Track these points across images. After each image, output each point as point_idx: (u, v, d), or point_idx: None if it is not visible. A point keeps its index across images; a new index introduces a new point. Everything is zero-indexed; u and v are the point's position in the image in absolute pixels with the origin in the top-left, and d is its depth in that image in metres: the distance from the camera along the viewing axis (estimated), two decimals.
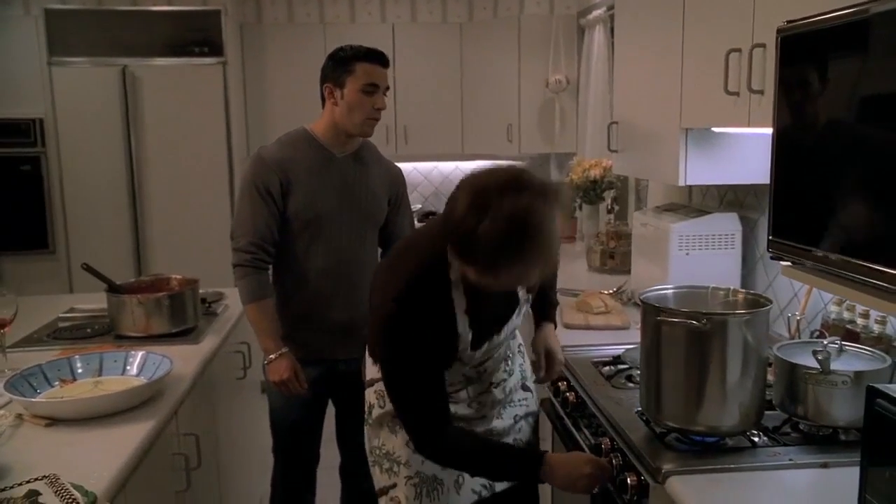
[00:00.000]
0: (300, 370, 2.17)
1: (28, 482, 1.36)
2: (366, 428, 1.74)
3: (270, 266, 2.18)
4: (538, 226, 1.28)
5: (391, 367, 1.52)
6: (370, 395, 1.71)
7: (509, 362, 1.77)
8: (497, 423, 1.73)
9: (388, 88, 2.18)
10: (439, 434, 1.52)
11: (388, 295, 1.48)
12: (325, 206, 2.16)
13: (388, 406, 1.64)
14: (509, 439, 1.76)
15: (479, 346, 1.58)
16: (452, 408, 1.64)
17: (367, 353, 1.71)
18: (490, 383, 1.71)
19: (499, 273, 1.32)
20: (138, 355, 1.96)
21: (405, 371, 1.50)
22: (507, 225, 1.26)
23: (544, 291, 1.84)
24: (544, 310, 1.88)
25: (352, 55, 2.11)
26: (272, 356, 2.14)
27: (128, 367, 1.94)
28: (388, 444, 1.67)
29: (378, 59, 2.14)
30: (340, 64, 2.12)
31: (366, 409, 1.73)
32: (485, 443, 1.62)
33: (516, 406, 1.78)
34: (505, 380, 1.75)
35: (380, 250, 2.36)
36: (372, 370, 1.69)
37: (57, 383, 1.85)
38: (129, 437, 1.58)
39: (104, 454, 1.50)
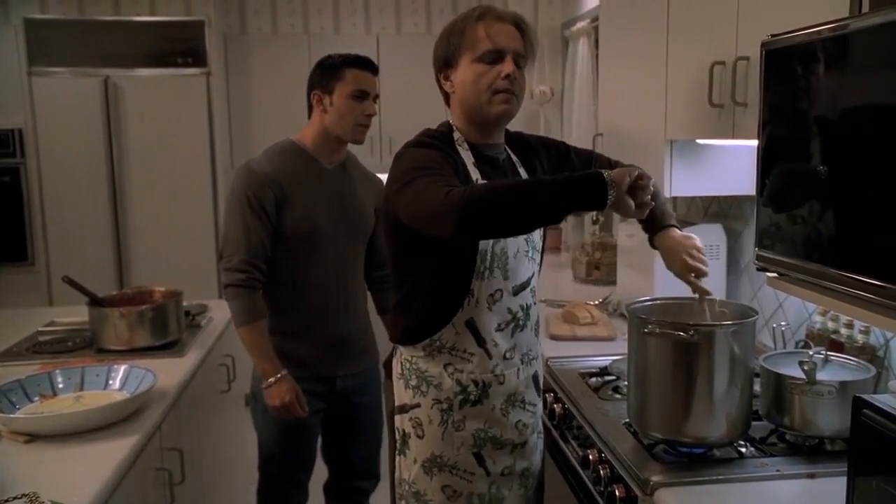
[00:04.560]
0: (300, 392, 2.10)
1: (7, 501, 1.33)
2: (398, 458, 1.69)
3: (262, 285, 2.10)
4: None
5: (405, 175, 1.47)
6: (404, 422, 1.66)
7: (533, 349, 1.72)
8: (536, 456, 1.74)
9: (377, 96, 2.17)
10: (464, 187, 1.37)
11: (400, 148, 1.57)
12: (321, 219, 2.13)
13: (427, 439, 1.61)
14: (537, 472, 1.77)
15: None
16: (496, 431, 1.63)
17: (393, 377, 1.70)
18: (523, 357, 1.67)
19: (462, 43, 1.55)
20: (121, 369, 1.93)
21: (417, 168, 1.46)
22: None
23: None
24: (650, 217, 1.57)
25: (341, 61, 2.10)
26: (271, 379, 2.06)
27: (110, 382, 1.91)
28: (420, 484, 1.64)
29: (367, 65, 2.13)
30: (329, 70, 2.10)
31: (398, 436, 1.68)
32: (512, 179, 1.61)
33: (542, 438, 1.78)
34: (533, 359, 1.71)
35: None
36: (403, 395, 1.66)
37: (37, 398, 1.82)
38: (111, 453, 1.56)
39: (86, 470, 1.47)
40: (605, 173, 1.31)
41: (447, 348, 1.61)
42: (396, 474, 1.70)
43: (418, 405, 1.63)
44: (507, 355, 1.64)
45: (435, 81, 1.66)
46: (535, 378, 1.73)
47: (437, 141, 1.58)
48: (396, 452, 1.69)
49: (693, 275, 1.57)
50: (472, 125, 1.62)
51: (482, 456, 1.63)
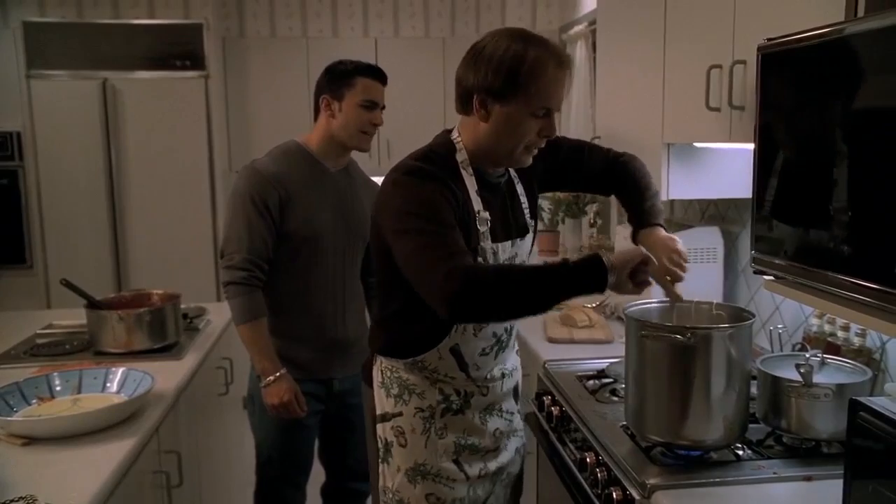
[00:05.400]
0: (299, 391, 2.10)
1: None
2: (381, 466, 1.66)
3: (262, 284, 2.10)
4: (535, 36, 1.47)
5: (402, 219, 1.42)
6: (386, 431, 1.63)
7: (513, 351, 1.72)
8: (505, 455, 1.72)
9: (384, 107, 2.17)
10: (468, 266, 1.35)
11: (396, 172, 1.49)
12: (323, 223, 2.13)
13: (410, 448, 1.60)
14: (513, 470, 1.76)
15: (500, 239, 1.56)
16: (475, 439, 1.63)
17: (374, 385, 1.67)
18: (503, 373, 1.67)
19: (528, 87, 1.43)
20: (118, 372, 1.93)
21: (417, 216, 1.41)
22: (509, 35, 1.45)
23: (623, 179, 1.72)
24: (635, 209, 1.63)
25: (352, 69, 2.10)
26: (270, 378, 2.06)
27: (108, 385, 1.91)
28: (404, 492, 1.61)
29: (378, 75, 2.13)
30: (340, 77, 2.10)
31: (380, 445, 1.66)
32: (511, 265, 1.55)
33: (517, 437, 1.77)
34: (514, 370, 1.72)
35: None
36: (384, 403, 1.63)
37: (34, 401, 1.82)
38: (109, 456, 1.56)
39: (83, 474, 1.47)
40: (606, 259, 1.34)
41: (429, 370, 1.60)
42: (380, 483, 1.67)
43: (400, 414, 1.61)
44: (488, 376, 1.64)
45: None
46: (515, 388, 1.74)
47: (436, 168, 1.49)
48: (379, 461, 1.66)
49: (668, 278, 1.53)
50: (482, 155, 1.55)
51: (460, 462, 1.62)
